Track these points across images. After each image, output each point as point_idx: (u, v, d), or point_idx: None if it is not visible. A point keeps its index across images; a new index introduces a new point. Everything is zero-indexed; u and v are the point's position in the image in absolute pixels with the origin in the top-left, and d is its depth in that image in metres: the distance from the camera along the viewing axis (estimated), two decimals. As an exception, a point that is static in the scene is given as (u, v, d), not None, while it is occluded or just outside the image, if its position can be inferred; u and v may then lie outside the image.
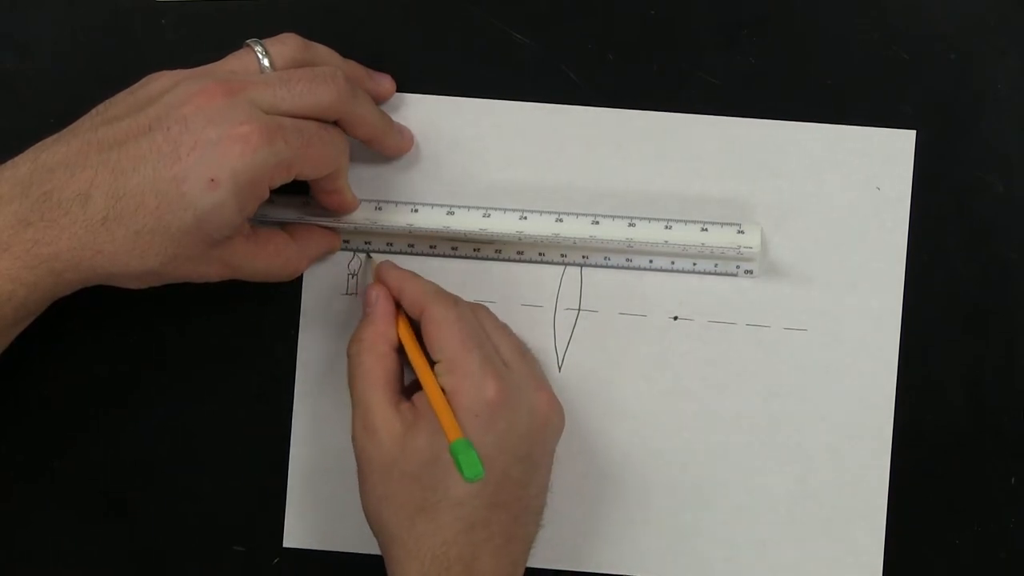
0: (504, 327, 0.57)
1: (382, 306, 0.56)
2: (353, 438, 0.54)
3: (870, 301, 0.59)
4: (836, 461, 0.60)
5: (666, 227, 0.58)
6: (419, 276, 0.57)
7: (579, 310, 0.60)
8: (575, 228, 0.58)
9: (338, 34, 0.59)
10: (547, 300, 0.60)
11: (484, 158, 0.60)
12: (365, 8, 0.60)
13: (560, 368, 0.60)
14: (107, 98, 0.53)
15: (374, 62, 0.59)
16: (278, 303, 0.60)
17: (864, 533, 0.60)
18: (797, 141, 0.60)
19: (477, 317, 0.56)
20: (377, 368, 0.54)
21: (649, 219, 0.58)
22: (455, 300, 0.56)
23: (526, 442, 0.53)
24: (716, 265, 0.59)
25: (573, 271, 0.60)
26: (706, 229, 0.58)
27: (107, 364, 0.61)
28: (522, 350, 0.56)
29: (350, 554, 0.61)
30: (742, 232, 0.58)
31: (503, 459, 0.52)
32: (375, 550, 0.60)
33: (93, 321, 0.60)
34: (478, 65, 0.60)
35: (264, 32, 0.55)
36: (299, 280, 0.60)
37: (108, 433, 0.61)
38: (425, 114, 0.60)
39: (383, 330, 0.55)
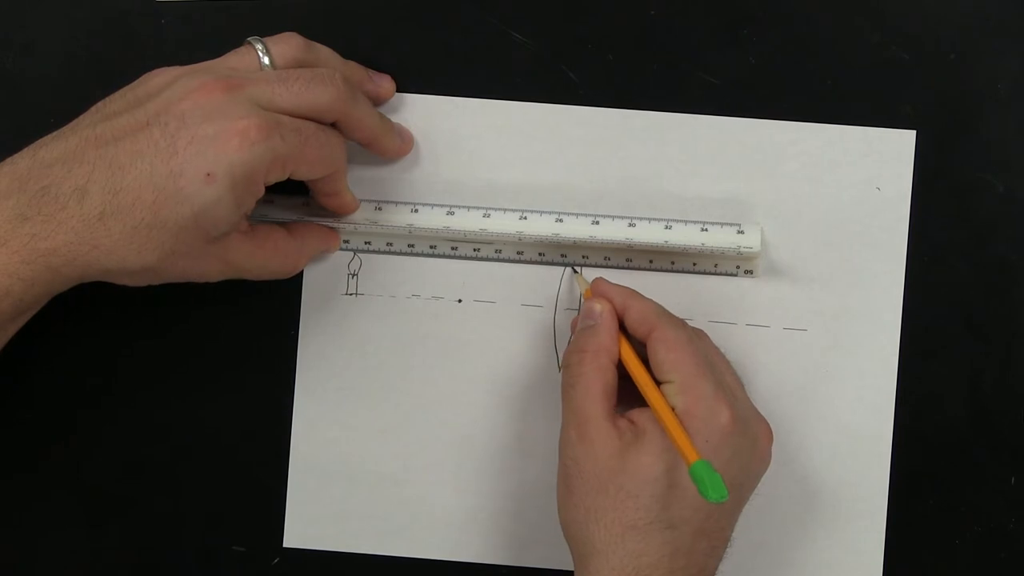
0: (722, 354, 0.56)
1: (608, 320, 0.55)
2: (563, 447, 0.54)
3: (870, 301, 0.60)
4: (836, 461, 0.60)
5: (666, 227, 0.58)
6: (641, 294, 0.56)
7: (579, 311, 0.60)
8: (575, 228, 0.58)
9: (338, 34, 0.59)
10: (547, 300, 0.60)
11: (484, 158, 0.60)
12: (365, 8, 0.61)
13: (560, 368, 0.60)
14: (107, 97, 0.53)
15: (374, 62, 0.60)
16: (278, 303, 0.60)
17: (864, 533, 0.60)
18: (797, 141, 0.60)
19: (702, 342, 0.55)
20: (599, 380, 0.53)
21: (649, 219, 0.58)
22: (683, 322, 0.55)
23: (743, 473, 0.53)
24: (716, 265, 0.59)
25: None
26: (706, 229, 0.58)
27: (106, 364, 0.61)
28: (739, 379, 0.56)
29: (350, 554, 0.61)
30: (742, 232, 0.58)
31: None
32: (374, 550, 0.60)
33: (93, 321, 0.60)
34: (478, 65, 0.60)
35: (264, 32, 0.55)
36: (299, 280, 0.60)
37: (107, 433, 0.61)
38: (425, 114, 0.60)
39: (607, 344, 0.54)
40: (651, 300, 0.56)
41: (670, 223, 0.58)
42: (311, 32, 0.56)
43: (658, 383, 0.53)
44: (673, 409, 0.52)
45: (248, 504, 0.61)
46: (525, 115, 0.60)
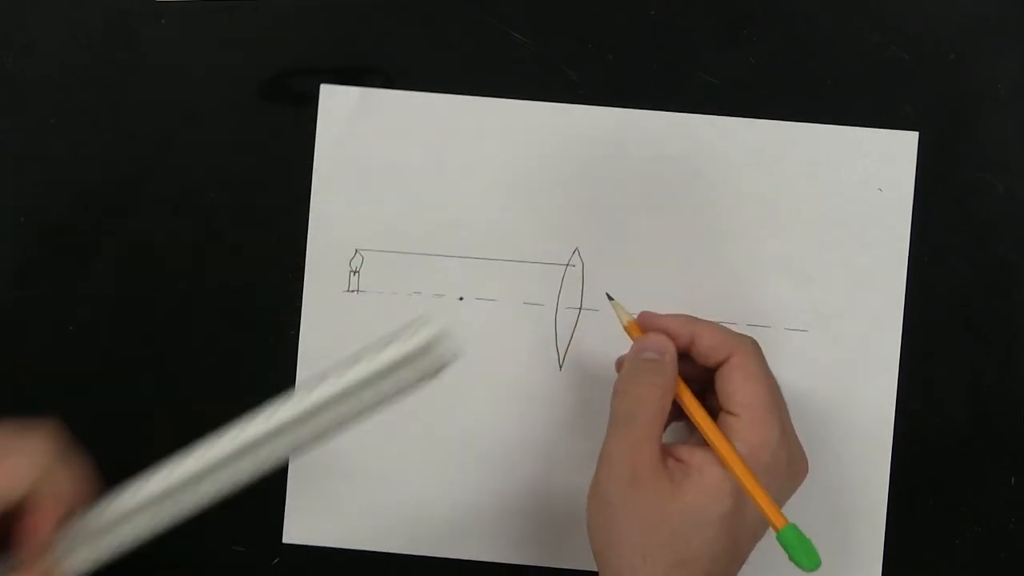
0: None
1: (673, 358, 0.52)
2: (609, 480, 0.51)
3: (871, 302, 0.60)
4: (836, 461, 0.60)
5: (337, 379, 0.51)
6: (702, 319, 0.53)
7: (580, 309, 0.60)
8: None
9: (337, 33, 0.59)
10: (548, 299, 0.60)
11: (485, 156, 0.60)
12: (365, 8, 0.61)
13: (561, 367, 0.60)
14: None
15: (373, 61, 0.60)
16: (279, 302, 0.60)
17: (864, 533, 0.60)
18: (799, 141, 0.60)
19: (769, 369, 0.53)
20: (660, 420, 0.51)
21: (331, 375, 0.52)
22: (757, 344, 0.53)
23: (780, 503, 0.52)
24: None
25: (575, 270, 0.60)
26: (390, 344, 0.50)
27: (107, 364, 0.61)
28: (784, 400, 0.54)
29: (349, 551, 0.61)
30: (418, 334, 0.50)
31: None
32: (374, 547, 0.60)
33: (94, 321, 0.60)
34: (478, 65, 0.60)
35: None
36: (300, 277, 0.60)
37: (108, 433, 0.61)
38: (426, 113, 0.60)
39: (671, 383, 0.52)
40: (715, 323, 0.53)
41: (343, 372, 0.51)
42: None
43: (717, 410, 0.52)
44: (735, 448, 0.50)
45: (248, 504, 0.61)
46: (526, 113, 0.60)
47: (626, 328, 0.54)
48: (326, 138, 0.60)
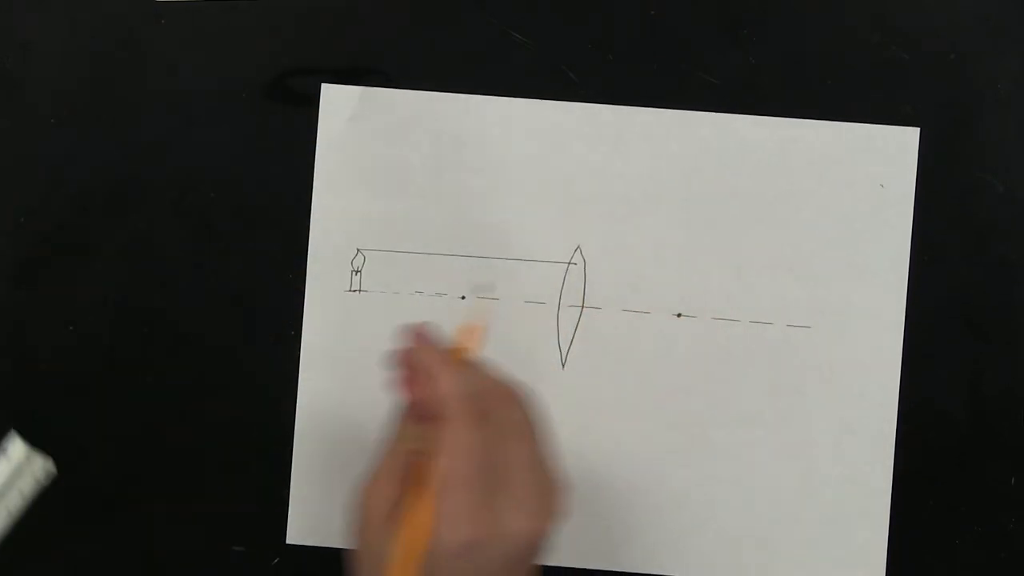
0: (531, 435, 0.49)
1: (406, 445, 0.48)
2: (354, 508, 0.49)
3: (874, 298, 0.60)
4: (839, 459, 0.60)
5: None
6: (451, 369, 0.48)
7: (583, 307, 0.60)
8: None
9: (337, 33, 0.59)
10: (550, 297, 0.60)
11: (486, 155, 0.60)
12: (365, 8, 0.61)
13: (563, 365, 0.60)
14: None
15: (373, 60, 0.60)
16: (280, 302, 0.60)
17: (867, 531, 0.60)
18: (801, 138, 0.60)
19: (503, 430, 0.48)
20: (393, 465, 0.48)
21: None
22: (481, 418, 0.47)
23: (495, 572, 0.47)
24: None
25: (577, 268, 0.60)
26: None
27: (107, 364, 0.61)
28: (536, 465, 0.48)
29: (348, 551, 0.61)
30: None
31: None
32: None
33: (94, 321, 0.60)
34: (478, 65, 0.60)
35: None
36: (302, 277, 0.60)
37: (109, 432, 0.61)
38: (426, 112, 0.60)
39: (401, 436, 0.49)
40: (460, 380, 0.48)
41: None
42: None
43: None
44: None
45: (248, 504, 0.61)
46: (527, 112, 0.60)
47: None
48: (327, 138, 0.60)
